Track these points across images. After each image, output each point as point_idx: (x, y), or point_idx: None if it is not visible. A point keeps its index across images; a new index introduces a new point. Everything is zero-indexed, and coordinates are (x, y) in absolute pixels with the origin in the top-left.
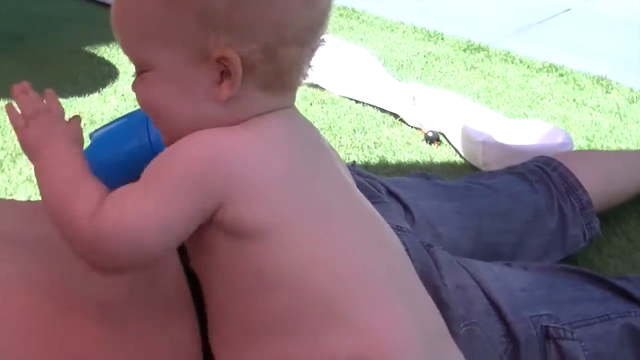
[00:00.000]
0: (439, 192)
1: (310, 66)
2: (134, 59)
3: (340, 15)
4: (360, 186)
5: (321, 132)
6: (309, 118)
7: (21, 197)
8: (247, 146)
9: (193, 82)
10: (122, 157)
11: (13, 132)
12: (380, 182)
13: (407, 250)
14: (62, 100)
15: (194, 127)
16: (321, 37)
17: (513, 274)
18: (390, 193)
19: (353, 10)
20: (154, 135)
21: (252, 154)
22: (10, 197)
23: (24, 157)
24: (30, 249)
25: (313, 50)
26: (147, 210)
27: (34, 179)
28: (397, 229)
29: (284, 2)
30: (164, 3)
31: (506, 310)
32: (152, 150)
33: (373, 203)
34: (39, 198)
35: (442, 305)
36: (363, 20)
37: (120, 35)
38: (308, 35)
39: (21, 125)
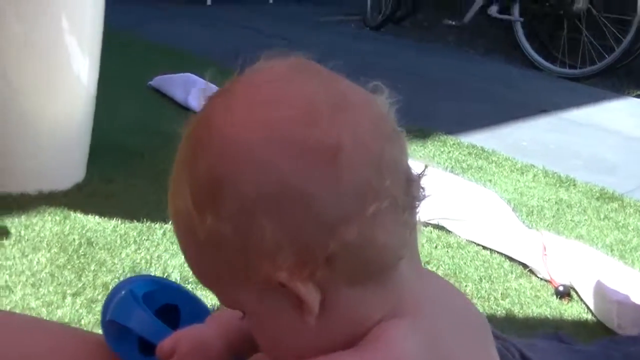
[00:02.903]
0: (576, 358)
1: (413, 209)
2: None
3: (469, 153)
4: None
5: (445, 277)
6: (433, 263)
7: None
8: None
9: (274, 315)
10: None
11: (124, 255)
12: (514, 345)
13: None
14: None
15: (303, 354)
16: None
17: None
18: (524, 358)
19: (482, 149)
20: None
21: None
22: None
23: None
24: None
25: (397, 201)
26: None
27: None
28: None
29: (303, 195)
30: (193, 247)
31: None
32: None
33: None
34: None
35: None
36: (492, 161)
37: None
38: (361, 197)
39: None
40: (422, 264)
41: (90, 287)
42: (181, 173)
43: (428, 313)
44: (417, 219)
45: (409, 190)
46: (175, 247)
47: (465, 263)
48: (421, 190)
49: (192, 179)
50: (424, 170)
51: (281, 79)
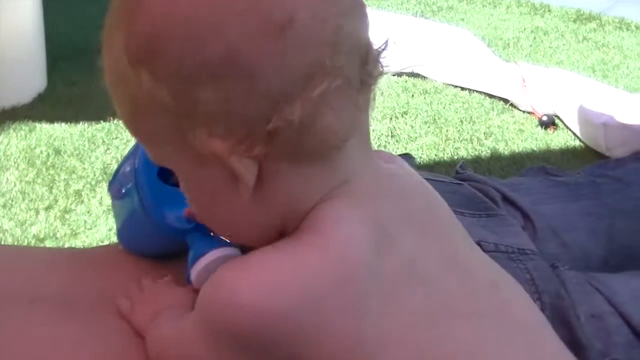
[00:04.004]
0: (562, 192)
1: (369, 94)
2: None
3: None
4: (472, 198)
5: (426, 126)
6: (411, 111)
7: (102, 229)
8: (302, 288)
9: (212, 182)
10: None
11: (93, 158)
12: (495, 188)
13: (532, 280)
14: None
15: (247, 231)
16: (359, 57)
17: None
18: (507, 200)
19: None
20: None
21: (311, 295)
22: (89, 231)
23: (104, 185)
24: (58, 307)
25: (350, 80)
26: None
27: None
28: (520, 253)
29: (245, 64)
30: (125, 101)
31: None
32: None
33: (488, 217)
34: None
35: (578, 347)
36: None
37: None
38: (310, 76)
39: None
40: (399, 116)
41: (62, 197)
42: (119, 23)
43: (373, 198)
44: (372, 97)
45: (366, 68)
46: None
47: (444, 107)
48: (379, 66)
49: (130, 32)
50: (384, 45)
51: None
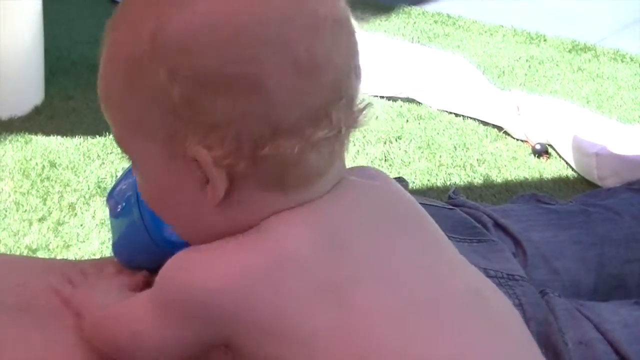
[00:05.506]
0: (553, 220)
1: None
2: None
3: (435, 22)
4: (464, 223)
5: (419, 152)
6: (405, 136)
7: (94, 242)
8: (250, 272)
9: (177, 179)
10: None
11: (88, 172)
12: (486, 213)
13: (521, 305)
14: None
15: (197, 230)
16: (350, 106)
17: None
18: (498, 226)
19: (448, 16)
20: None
21: (258, 281)
22: (82, 243)
23: (98, 198)
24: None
25: (339, 129)
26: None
27: (108, 222)
28: (510, 278)
29: (264, 88)
30: (125, 83)
31: None
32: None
33: (479, 242)
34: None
35: None
36: (459, 26)
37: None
38: (315, 120)
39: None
40: (393, 140)
41: (56, 209)
42: (149, 13)
43: (326, 206)
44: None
45: (352, 117)
46: None
47: (438, 133)
48: (363, 117)
49: (162, 24)
50: (368, 103)
51: None
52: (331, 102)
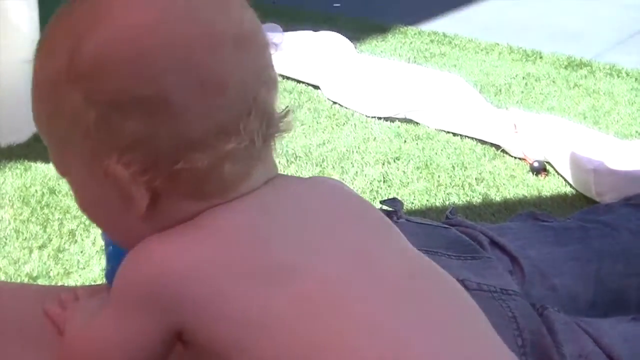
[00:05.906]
0: (550, 236)
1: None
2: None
3: (431, 41)
4: (459, 241)
5: (418, 172)
6: (404, 156)
7: (95, 269)
8: (195, 256)
9: (103, 193)
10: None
11: None
12: (483, 232)
13: (514, 317)
14: None
15: (130, 238)
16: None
17: None
18: (495, 244)
19: (444, 35)
20: None
21: (204, 263)
22: (82, 270)
23: None
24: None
25: (255, 140)
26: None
27: None
28: (503, 293)
29: (172, 108)
30: (49, 106)
31: None
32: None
33: (473, 259)
34: None
35: None
36: (455, 45)
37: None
38: (225, 133)
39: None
40: (392, 161)
41: (56, 236)
42: (70, 35)
43: (264, 197)
44: (272, 146)
45: (268, 129)
46: None
47: (436, 153)
48: (279, 127)
49: (79, 48)
50: (284, 111)
51: None
52: (239, 115)
